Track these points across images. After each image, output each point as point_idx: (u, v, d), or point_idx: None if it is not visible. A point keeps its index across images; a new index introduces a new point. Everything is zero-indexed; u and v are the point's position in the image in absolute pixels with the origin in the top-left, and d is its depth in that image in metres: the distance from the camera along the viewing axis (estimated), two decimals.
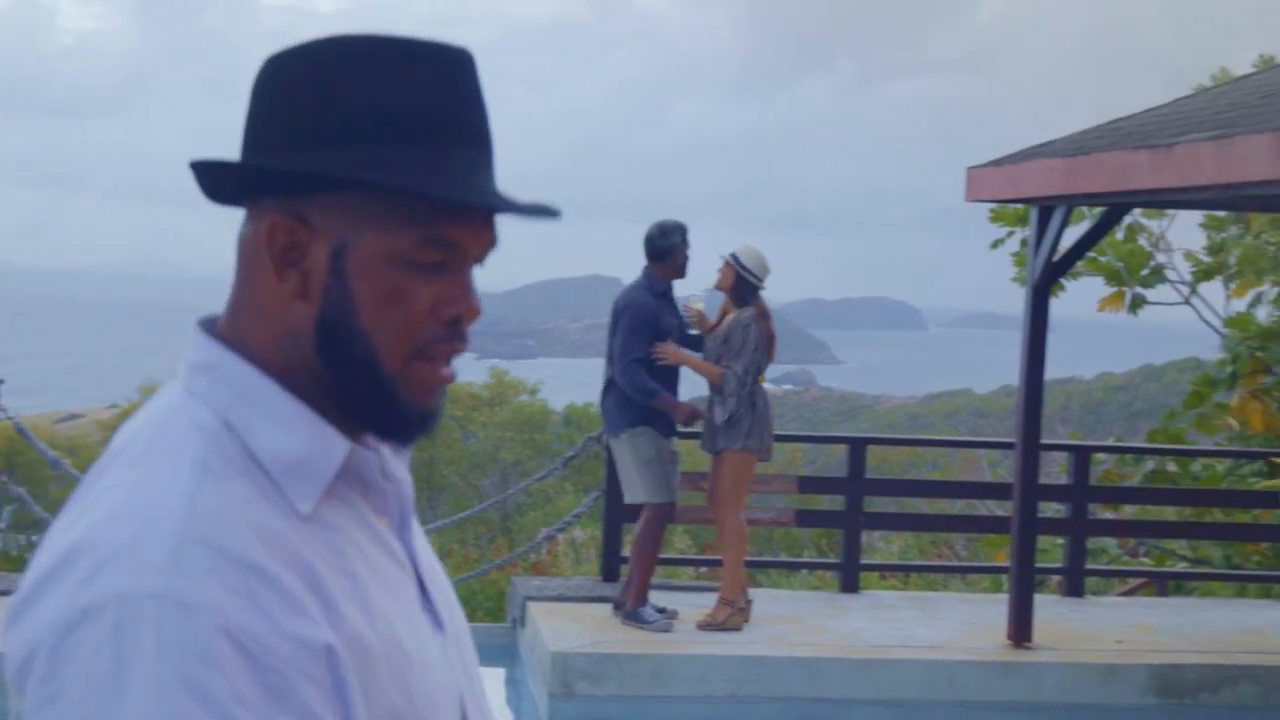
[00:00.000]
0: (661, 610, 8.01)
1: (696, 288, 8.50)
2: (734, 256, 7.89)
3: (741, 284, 7.85)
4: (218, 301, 1.41)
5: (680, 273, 7.93)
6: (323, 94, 1.30)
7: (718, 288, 8.04)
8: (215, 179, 1.36)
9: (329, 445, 1.32)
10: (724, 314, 8.04)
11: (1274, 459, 9.66)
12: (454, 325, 1.34)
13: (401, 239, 1.30)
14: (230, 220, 1.41)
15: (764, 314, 7.93)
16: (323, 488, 1.30)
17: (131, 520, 1.21)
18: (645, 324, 7.71)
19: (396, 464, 1.42)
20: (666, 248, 7.83)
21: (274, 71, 1.34)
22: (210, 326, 1.38)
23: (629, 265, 8.13)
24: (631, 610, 7.90)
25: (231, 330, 1.36)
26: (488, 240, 1.35)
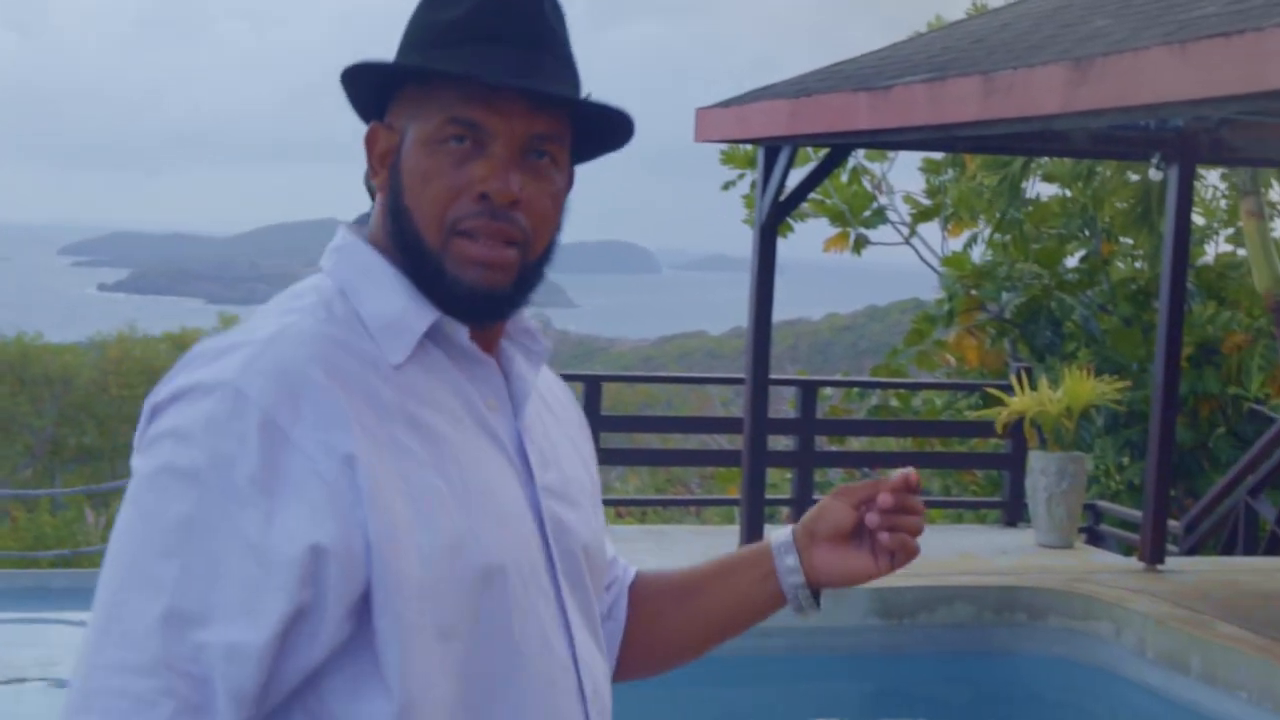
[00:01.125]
0: None
1: None
2: None
3: None
4: None
5: None
6: (409, 22, 1.55)
7: None
8: (359, 114, 1.59)
9: (420, 311, 1.51)
10: None
11: (988, 391, 10.14)
12: (484, 202, 1.49)
13: (430, 122, 1.50)
14: None
15: None
16: (412, 344, 1.49)
17: (237, 336, 1.47)
18: None
19: (524, 363, 1.61)
20: (372, 188, 7.80)
21: None
22: (348, 223, 1.62)
23: (360, 208, 8.07)
24: None
25: (367, 227, 1.60)
26: (525, 127, 1.50)
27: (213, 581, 1.36)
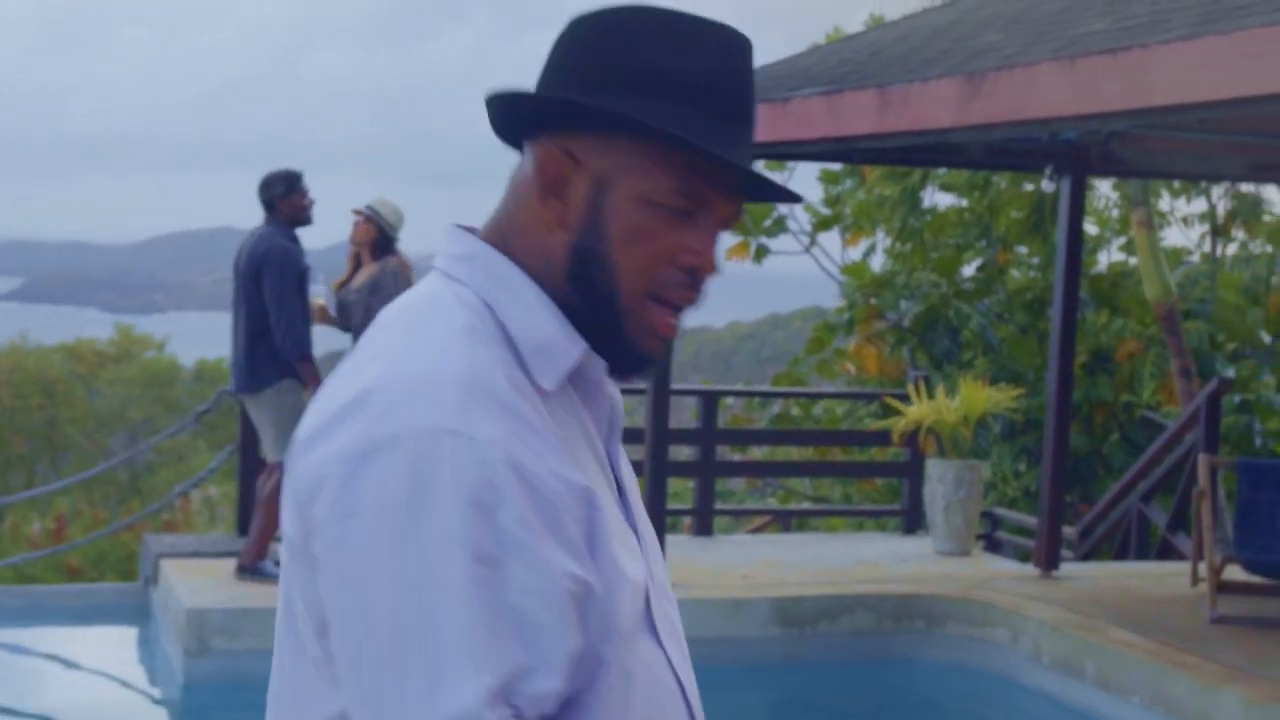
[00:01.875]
0: None
1: (330, 239, 8.43)
2: (371, 209, 7.86)
3: (381, 237, 7.85)
4: None
5: (301, 219, 7.79)
6: (619, 51, 1.45)
7: (353, 241, 7.99)
8: (505, 112, 1.50)
9: (570, 340, 1.46)
10: (352, 272, 8.00)
11: (887, 400, 10.23)
12: (691, 274, 1.46)
13: (659, 184, 1.43)
14: None
15: (405, 266, 7.94)
16: (565, 372, 1.45)
17: (417, 369, 1.38)
18: (294, 271, 7.56)
19: (609, 381, 1.55)
20: (267, 200, 7.73)
21: (579, 29, 1.48)
22: (464, 229, 1.52)
23: (256, 217, 7.99)
24: (250, 565, 7.78)
25: (494, 236, 1.50)
26: (734, 209, 1.49)
27: (519, 639, 1.32)
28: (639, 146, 1.43)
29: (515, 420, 1.36)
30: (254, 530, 7.84)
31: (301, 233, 7.85)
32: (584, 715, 1.39)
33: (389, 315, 1.48)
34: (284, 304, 7.47)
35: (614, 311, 1.46)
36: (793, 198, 1.54)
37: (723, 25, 1.47)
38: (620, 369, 1.50)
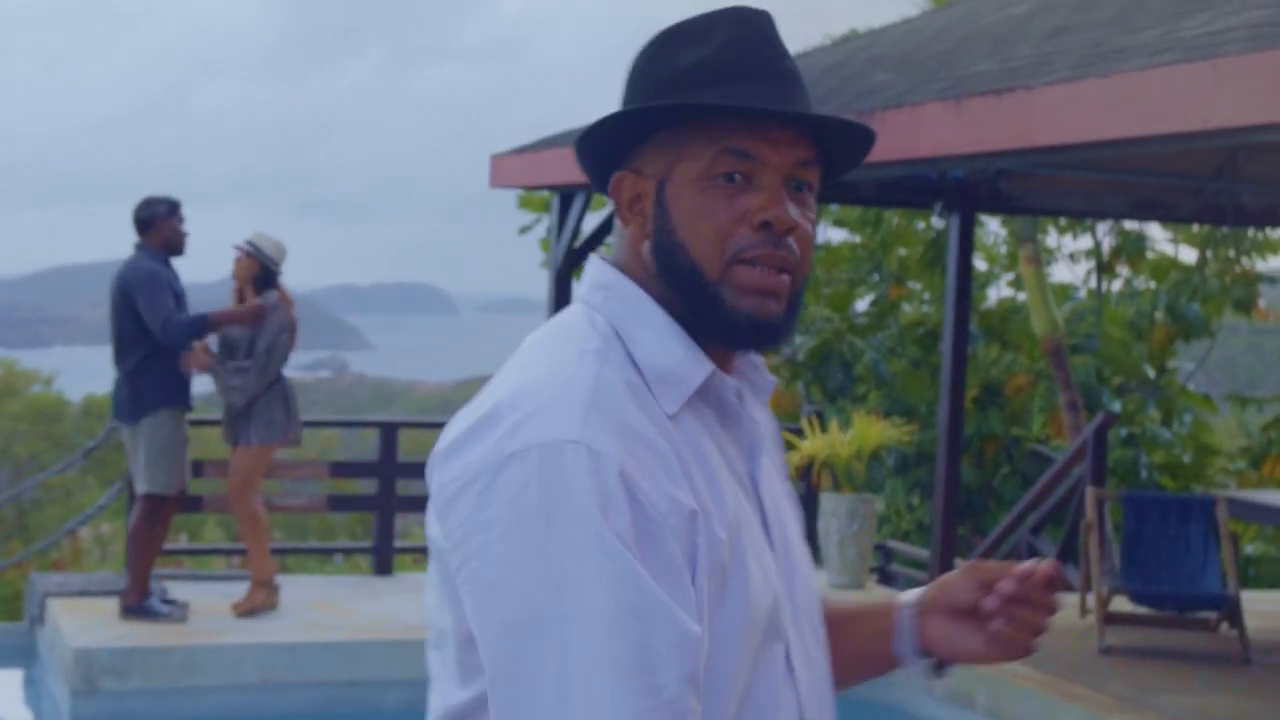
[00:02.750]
0: (172, 602, 7.81)
1: (216, 273, 8.35)
2: (251, 245, 7.80)
3: (263, 272, 7.80)
4: None
5: (173, 247, 7.73)
6: (646, 68, 1.57)
7: (235, 277, 7.92)
8: (586, 168, 1.62)
9: (695, 364, 1.53)
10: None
11: (782, 434, 10.29)
12: (765, 230, 1.53)
13: (703, 158, 1.52)
14: None
15: (286, 300, 7.89)
16: (685, 396, 1.52)
17: (548, 387, 1.47)
18: (162, 286, 7.52)
19: (756, 405, 1.63)
20: (147, 218, 7.68)
21: (626, 73, 1.62)
22: (606, 258, 1.62)
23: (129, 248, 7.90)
24: (135, 605, 7.67)
25: (621, 268, 1.60)
26: (791, 155, 1.54)
27: (666, 633, 1.38)
28: (678, 138, 1.54)
29: (633, 439, 1.44)
30: (130, 567, 7.74)
31: (187, 266, 7.78)
32: None
33: (531, 338, 1.58)
34: (157, 311, 7.43)
35: (702, 286, 1.53)
36: (859, 128, 1.59)
37: (734, 6, 1.57)
38: (743, 338, 1.55)
